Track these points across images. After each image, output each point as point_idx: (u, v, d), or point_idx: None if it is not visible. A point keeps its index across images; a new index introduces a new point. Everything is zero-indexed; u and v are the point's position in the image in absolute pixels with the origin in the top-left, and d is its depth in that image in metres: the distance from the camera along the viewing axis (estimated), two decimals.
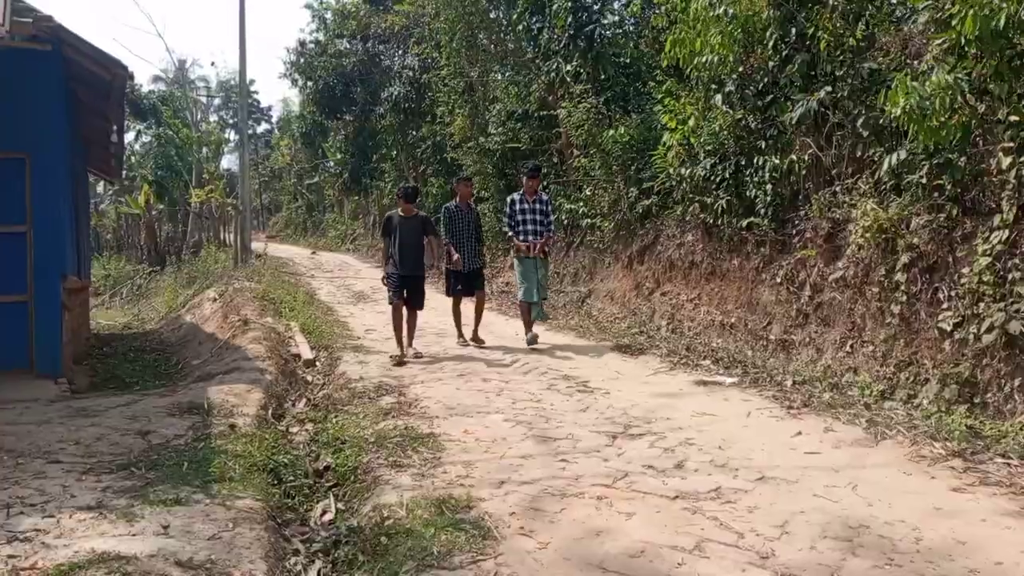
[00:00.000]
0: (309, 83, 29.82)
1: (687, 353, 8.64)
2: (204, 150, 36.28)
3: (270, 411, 6.56)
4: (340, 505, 4.70)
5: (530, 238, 9.46)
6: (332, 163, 35.73)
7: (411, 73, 24.22)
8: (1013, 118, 5.75)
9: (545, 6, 15.05)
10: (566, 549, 3.78)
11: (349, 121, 30.98)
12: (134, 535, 3.74)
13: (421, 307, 8.97)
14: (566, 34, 14.07)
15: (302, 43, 30.35)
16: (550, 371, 7.96)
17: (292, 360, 8.99)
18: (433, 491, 4.52)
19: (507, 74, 18.05)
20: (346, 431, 5.91)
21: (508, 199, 9.88)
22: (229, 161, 55.44)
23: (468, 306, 9.85)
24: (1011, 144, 5.73)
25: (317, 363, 9.01)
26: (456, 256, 9.21)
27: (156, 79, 49.10)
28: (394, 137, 26.91)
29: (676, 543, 3.79)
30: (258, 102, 60.49)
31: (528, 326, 9.48)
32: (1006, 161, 5.72)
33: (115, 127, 10.58)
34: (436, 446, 5.43)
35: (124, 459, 4.99)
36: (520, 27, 16.34)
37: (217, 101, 59.67)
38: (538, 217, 9.56)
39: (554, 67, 14.56)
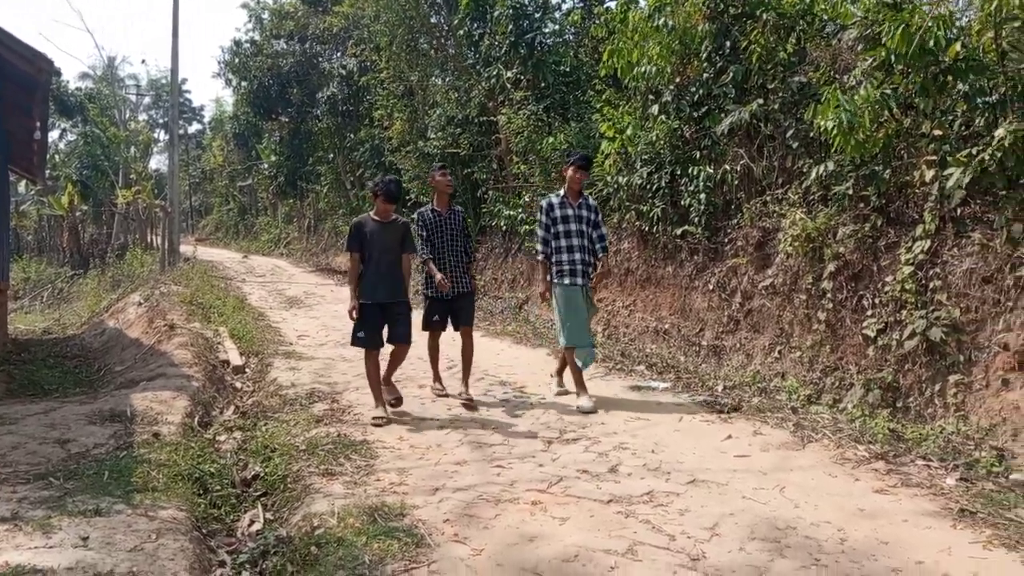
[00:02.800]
0: (244, 83, 29.31)
1: (622, 359, 8.72)
2: (132, 149, 35.34)
3: (196, 419, 6.37)
4: (269, 515, 4.58)
5: (576, 256, 6.73)
6: (266, 165, 35.13)
7: (349, 75, 23.98)
8: (936, 132, 5.99)
9: (487, 13, 15.10)
10: (500, 555, 3.75)
11: (285, 123, 30.55)
12: (51, 547, 3.57)
13: (408, 341, 6.49)
14: (507, 41, 14.13)
15: (237, 42, 29.83)
16: (487, 376, 7.94)
17: (220, 366, 8.75)
18: (366, 499, 4.44)
19: (447, 79, 18.04)
20: (276, 439, 5.78)
21: (543, 202, 6.96)
22: (158, 161, 54.19)
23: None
24: (934, 157, 5.95)
25: (247, 369, 8.80)
26: (440, 276, 6.64)
27: (84, 76, 47.70)
28: (331, 140, 26.63)
29: (609, 547, 3.81)
30: (190, 101, 59.15)
31: (580, 383, 6.75)
32: (929, 174, 5.94)
33: (38, 124, 10.16)
34: (369, 453, 5.36)
35: (41, 469, 4.77)
36: (461, 32, 16.34)
37: (147, 100, 58.13)
38: (585, 228, 6.80)
39: (495, 73, 14.61)
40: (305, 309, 14.31)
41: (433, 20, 18.21)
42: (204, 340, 9.63)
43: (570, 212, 6.77)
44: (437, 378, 7.23)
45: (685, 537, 3.93)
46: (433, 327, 6.98)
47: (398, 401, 6.55)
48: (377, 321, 6.33)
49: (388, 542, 3.84)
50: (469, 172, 15.99)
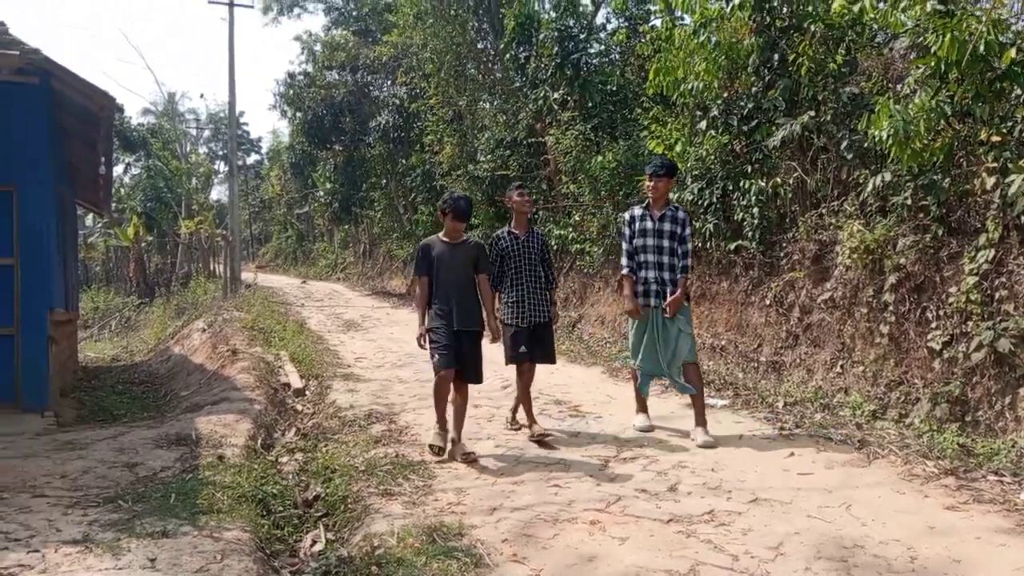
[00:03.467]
0: (298, 114, 29.99)
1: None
2: (193, 181, 36.47)
3: (259, 441, 6.50)
4: (330, 535, 4.64)
5: (650, 275, 6.18)
6: (322, 192, 35.84)
7: (399, 102, 24.40)
8: (995, 138, 5.83)
9: (532, 36, 15.26)
10: (559, 575, 3.74)
11: (338, 151, 31.15)
12: (120, 569, 3.68)
13: (479, 380, 5.95)
14: (553, 63, 14.24)
15: (291, 75, 30.59)
16: (541, 395, 7.93)
17: (281, 389, 8.93)
18: (424, 519, 4.47)
19: (495, 103, 18.24)
20: (336, 460, 5.86)
21: (625, 215, 6.56)
22: (219, 192, 55.76)
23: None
24: (994, 164, 5.80)
25: (307, 392, 8.96)
26: (496, 325, 6.10)
27: (146, 111, 49.60)
28: (383, 166, 27.08)
29: (670, 567, 3.76)
30: (248, 133, 60.79)
31: (641, 401, 6.57)
32: (990, 181, 5.79)
33: (103, 158, 10.57)
34: (427, 473, 5.40)
35: (111, 492, 4.92)
36: (507, 56, 16.53)
37: (207, 133, 60.04)
38: (666, 243, 6.16)
39: (542, 95, 14.72)
40: (362, 332, 14.51)
41: (480, 46, 18.47)
42: (265, 364, 9.84)
43: (648, 225, 6.20)
44: (531, 419, 6.33)
45: (748, 557, 3.86)
46: (520, 359, 6.29)
47: (470, 456, 5.71)
48: (450, 342, 5.73)
49: (447, 562, 3.85)
50: None
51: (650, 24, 13.72)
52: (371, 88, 28.54)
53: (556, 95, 14.34)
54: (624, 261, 6.33)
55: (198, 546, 4.01)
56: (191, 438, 6.23)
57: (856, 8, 6.95)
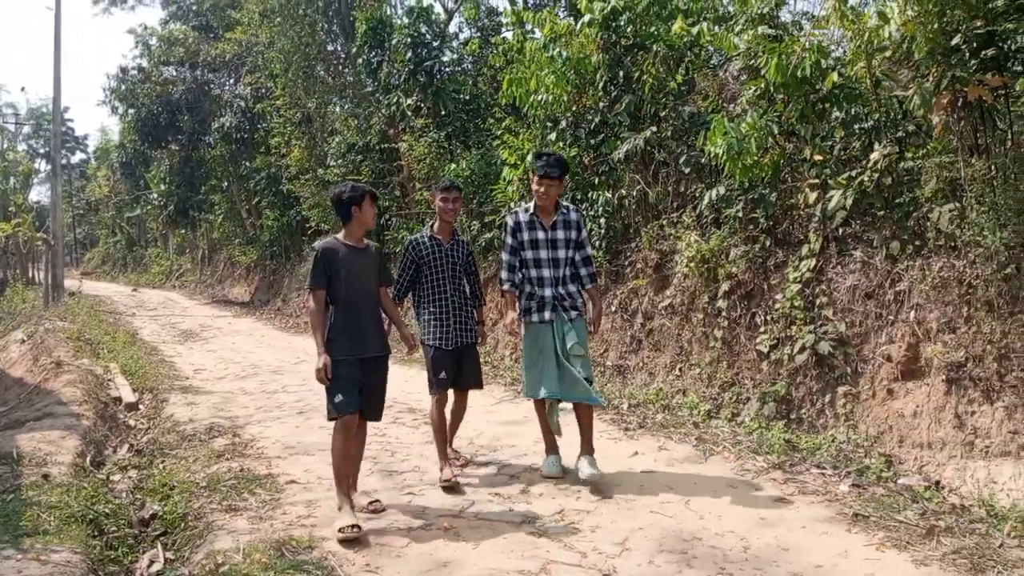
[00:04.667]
0: (131, 111, 28.23)
1: None
2: (11, 180, 33.49)
3: (88, 458, 6.04)
4: (169, 554, 4.38)
5: (546, 292, 5.23)
6: (156, 195, 33.83)
7: (243, 103, 23.49)
8: (817, 157, 6.36)
9: (384, 40, 15.13)
10: None
11: (175, 151, 29.57)
12: None
13: (380, 416, 4.90)
14: (406, 69, 14.19)
15: (124, 69, 28.76)
16: (395, 404, 7.84)
17: (112, 404, 8.34)
18: (272, 533, 4.33)
19: (346, 106, 17.92)
20: (174, 476, 5.55)
21: (508, 220, 5.46)
22: (39, 193, 51.73)
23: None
24: (816, 180, 6.32)
25: (140, 406, 8.42)
26: (411, 334, 5.17)
27: None
28: (225, 168, 25.97)
29: (522, 567, 3.83)
30: (73, 130, 56.69)
31: (549, 440, 5.51)
32: (812, 196, 6.29)
33: None
34: (274, 487, 5.22)
35: None
36: (359, 60, 16.30)
37: (27, 129, 55.48)
38: (562, 254, 5.29)
39: (394, 101, 14.63)
40: (201, 342, 13.83)
41: (330, 48, 18.11)
42: (94, 377, 9.17)
43: (540, 235, 5.26)
44: (448, 460, 5.37)
45: (596, 553, 3.99)
46: (442, 387, 5.42)
47: (376, 506, 4.74)
48: (359, 378, 4.61)
49: None
50: None
51: (501, 36, 13.98)
52: (212, 86, 27.32)
53: (409, 101, 14.29)
54: (504, 275, 5.36)
55: (23, 570, 3.71)
56: (11, 456, 5.69)
57: (695, 31, 7.40)
